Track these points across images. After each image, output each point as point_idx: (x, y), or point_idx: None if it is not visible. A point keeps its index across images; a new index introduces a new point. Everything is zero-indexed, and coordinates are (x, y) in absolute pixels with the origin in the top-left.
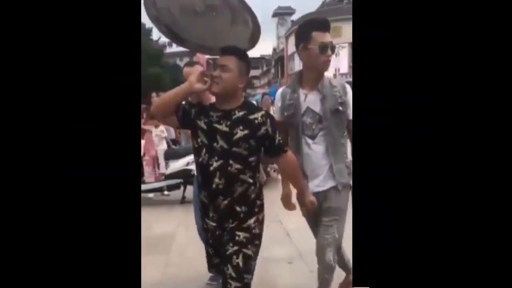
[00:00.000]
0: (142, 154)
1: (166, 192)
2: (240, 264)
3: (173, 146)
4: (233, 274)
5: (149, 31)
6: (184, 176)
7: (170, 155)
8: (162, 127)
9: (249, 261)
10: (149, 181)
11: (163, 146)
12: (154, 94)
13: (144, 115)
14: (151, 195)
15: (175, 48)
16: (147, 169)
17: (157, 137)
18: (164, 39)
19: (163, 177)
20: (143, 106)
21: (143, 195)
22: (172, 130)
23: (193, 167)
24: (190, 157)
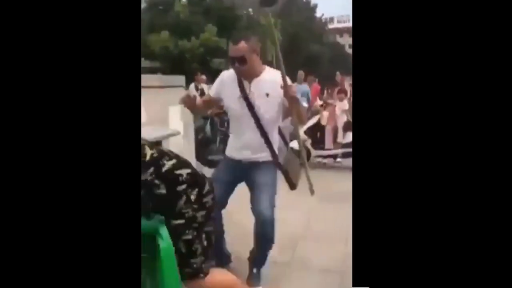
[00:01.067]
0: (324, 124)
1: (338, 159)
2: (183, 250)
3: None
4: (180, 261)
5: (314, 7)
6: None
7: (348, 127)
8: (345, 102)
9: (191, 245)
10: (328, 148)
11: (344, 119)
12: None
13: (329, 91)
14: (325, 160)
15: (336, 25)
16: (328, 138)
17: (339, 110)
18: (326, 16)
19: (340, 146)
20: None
21: (318, 159)
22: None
23: None
24: None
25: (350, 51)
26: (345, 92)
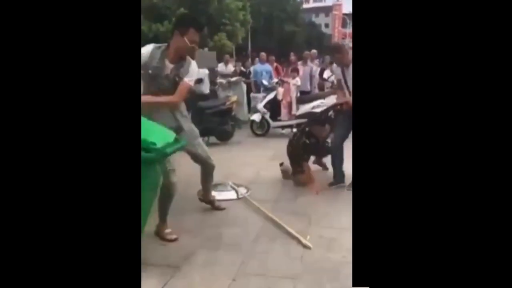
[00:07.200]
0: (280, 99)
1: (295, 130)
2: None
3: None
4: None
5: None
6: (309, 116)
7: (301, 100)
8: (298, 79)
9: None
10: (284, 120)
11: (297, 93)
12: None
13: (284, 69)
14: (284, 130)
15: (311, 4)
16: (283, 111)
17: (293, 87)
18: None
19: (294, 117)
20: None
21: (278, 130)
22: (307, 82)
23: (318, 110)
24: (316, 102)
25: (326, 30)
26: (297, 71)
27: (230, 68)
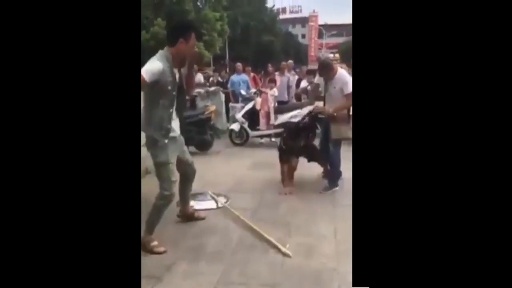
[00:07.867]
0: (258, 108)
1: (273, 139)
2: None
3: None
4: None
5: None
6: (287, 126)
7: (279, 110)
8: (275, 89)
9: None
10: (262, 129)
11: (275, 103)
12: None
13: (262, 80)
14: (262, 140)
15: (288, 15)
16: (262, 120)
17: (271, 97)
18: (278, 6)
19: (272, 127)
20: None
21: (256, 139)
22: (284, 92)
23: (295, 119)
24: (294, 112)
25: (302, 40)
26: (275, 81)
27: (200, 77)
